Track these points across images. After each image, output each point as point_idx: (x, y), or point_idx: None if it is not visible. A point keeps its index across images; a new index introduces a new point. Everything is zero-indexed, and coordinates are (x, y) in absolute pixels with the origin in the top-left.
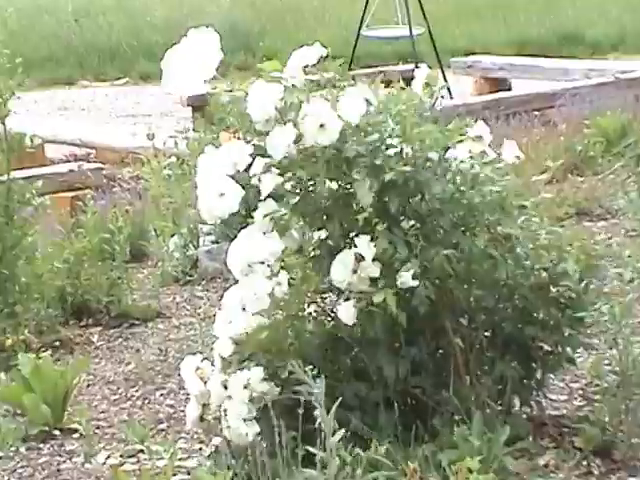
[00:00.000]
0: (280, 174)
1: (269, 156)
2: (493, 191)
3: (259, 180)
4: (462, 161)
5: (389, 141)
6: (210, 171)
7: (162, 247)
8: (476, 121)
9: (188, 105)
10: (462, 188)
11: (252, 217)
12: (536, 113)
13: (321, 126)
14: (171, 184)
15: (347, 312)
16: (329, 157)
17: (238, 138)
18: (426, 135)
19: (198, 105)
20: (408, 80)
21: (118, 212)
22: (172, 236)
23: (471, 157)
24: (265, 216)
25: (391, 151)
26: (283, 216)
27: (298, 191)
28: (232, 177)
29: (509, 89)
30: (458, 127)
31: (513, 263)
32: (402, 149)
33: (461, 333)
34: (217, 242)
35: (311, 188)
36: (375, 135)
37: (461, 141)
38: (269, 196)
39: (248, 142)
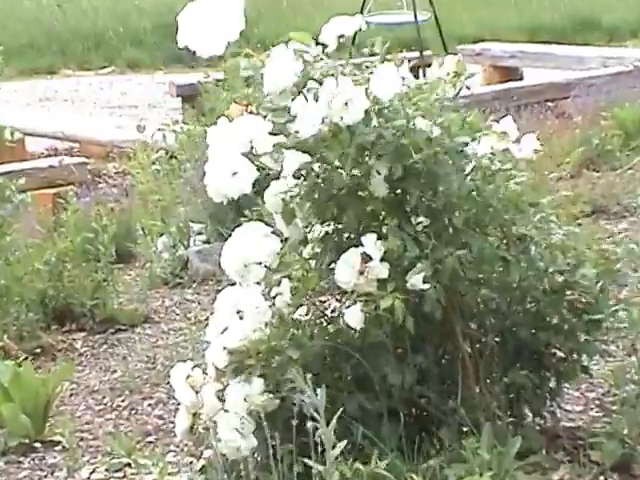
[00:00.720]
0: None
1: (286, 134)
2: (509, 188)
3: (273, 159)
4: (482, 156)
5: (416, 123)
6: (223, 146)
7: (150, 247)
8: (484, 112)
9: (177, 95)
10: (478, 184)
11: (245, 216)
12: (549, 104)
13: (345, 104)
14: (160, 180)
15: (355, 317)
16: (359, 140)
17: (251, 112)
18: (452, 123)
19: (188, 95)
20: (413, 69)
21: (103, 210)
22: (161, 235)
23: (492, 153)
24: (276, 195)
25: (419, 136)
26: (295, 198)
27: (322, 173)
28: (245, 155)
29: (520, 78)
30: (478, 119)
31: (526, 265)
32: (432, 132)
33: (470, 338)
34: (209, 242)
35: (325, 174)
36: (402, 120)
37: (485, 134)
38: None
39: (264, 117)
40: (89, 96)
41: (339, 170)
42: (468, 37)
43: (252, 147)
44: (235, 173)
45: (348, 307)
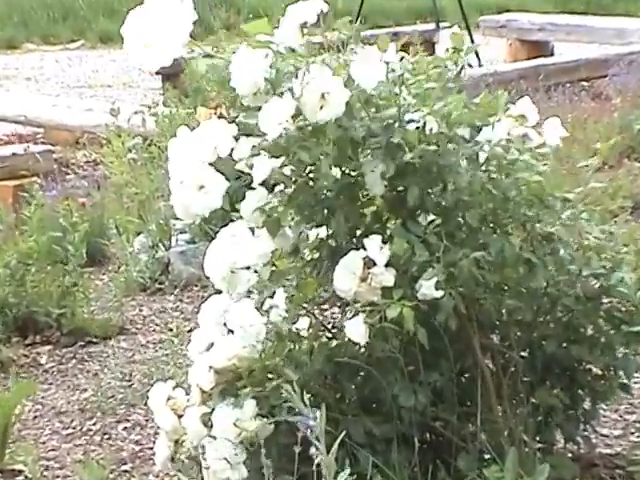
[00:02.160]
0: (275, 157)
1: (259, 135)
2: (531, 180)
3: (248, 165)
4: (496, 143)
5: (409, 116)
6: (185, 158)
7: (126, 248)
8: (509, 93)
9: (157, 74)
10: (494, 176)
11: (236, 211)
12: (584, 84)
13: (323, 97)
14: (137, 170)
15: (357, 330)
16: (336, 136)
17: (220, 115)
18: (453, 109)
19: (169, 74)
20: (429, 43)
21: (72, 205)
22: (138, 234)
23: (508, 140)
24: (255, 209)
25: (412, 126)
26: (276, 208)
27: (298, 177)
28: (213, 165)
29: (551, 54)
30: (488, 101)
31: (555, 268)
32: (425, 124)
33: (491, 353)
34: (193, 242)
35: (311, 175)
36: (392, 110)
37: (499, 120)
38: (261, 184)
39: (233, 120)
40: (55, 74)
41: (324, 171)
42: (491, 7)
43: (219, 156)
44: (202, 187)
45: (350, 319)
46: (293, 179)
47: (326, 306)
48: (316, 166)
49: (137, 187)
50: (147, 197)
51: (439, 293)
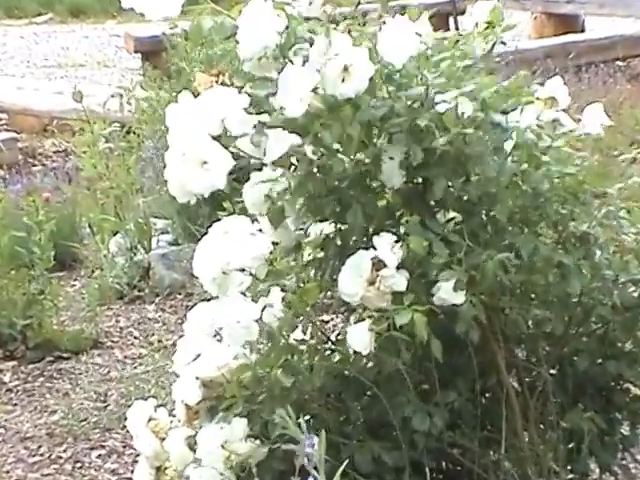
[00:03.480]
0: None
1: (266, 111)
2: (564, 172)
3: (254, 142)
4: (526, 130)
5: (439, 97)
6: (187, 128)
7: (100, 250)
8: (534, 73)
9: (136, 52)
10: (524, 167)
11: (223, 210)
12: (619, 64)
13: (345, 69)
14: (113, 162)
15: (361, 338)
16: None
17: (222, 83)
18: (486, 92)
19: (150, 51)
20: (442, 16)
21: (38, 201)
22: (114, 235)
23: (539, 126)
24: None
25: (442, 107)
26: (283, 195)
27: (318, 159)
28: (217, 139)
29: (582, 30)
30: (517, 83)
31: (590, 274)
32: (457, 106)
33: (517, 370)
34: (176, 243)
35: (322, 161)
36: (418, 88)
37: (526, 103)
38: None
39: (239, 90)
40: (20, 52)
41: (340, 155)
42: None
43: (225, 128)
44: (204, 163)
45: (354, 325)
46: (313, 161)
47: (329, 315)
48: (330, 150)
49: (113, 181)
50: (124, 192)
51: (459, 298)
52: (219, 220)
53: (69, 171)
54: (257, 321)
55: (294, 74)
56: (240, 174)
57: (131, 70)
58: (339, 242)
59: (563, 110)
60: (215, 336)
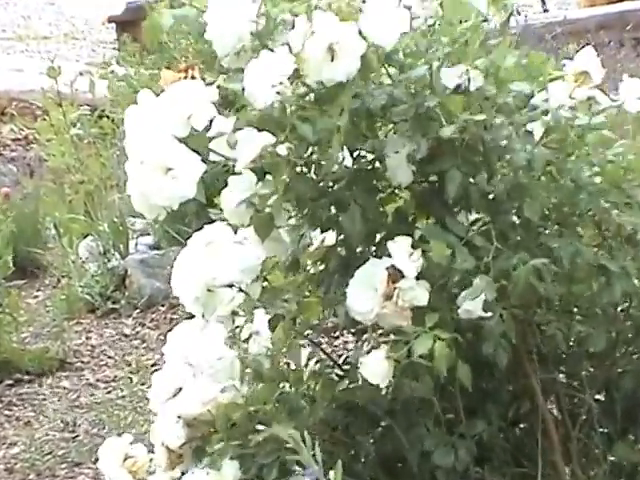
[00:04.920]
0: (267, 131)
1: (244, 106)
2: (605, 160)
3: (230, 143)
4: (558, 110)
5: (445, 73)
6: (148, 131)
7: (68, 255)
8: (582, 48)
9: (110, 22)
10: (557, 156)
11: (215, 206)
12: None
13: (330, 49)
14: (83, 151)
15: (377, 369)
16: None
17: (192, 77)
18: (501, 66)
19: (126, 21)
20: None
21: None
22: (84, 237)
23: (572, 107)
24: (239, 202)
25: (451, 83)
26: (267, 201)
27: (298, 160)
28: (185, 142)
29: None
30: (541, 61)
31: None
32: (469, 81)
33: (556, 395)
34: (158, 247)
35: (314, 157)
36: (421, 69)
37: (554, 79)
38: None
39: (210, 84)
40: None
41: (334, 151)
42: None
43: (195, 129)
44: (169, 170)
45: (368, 352)
46: (291, 161)
47: (334, 335)
48: (321, 146)
49: (83, 174)
50: (96, 187)
51: (487, 312)
52: (209, 220)
53: (31, 162)
54: (240, 356)
55: (265, 58)
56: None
57: (104, 43)
58: (344, 252)
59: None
60: (195, 366)
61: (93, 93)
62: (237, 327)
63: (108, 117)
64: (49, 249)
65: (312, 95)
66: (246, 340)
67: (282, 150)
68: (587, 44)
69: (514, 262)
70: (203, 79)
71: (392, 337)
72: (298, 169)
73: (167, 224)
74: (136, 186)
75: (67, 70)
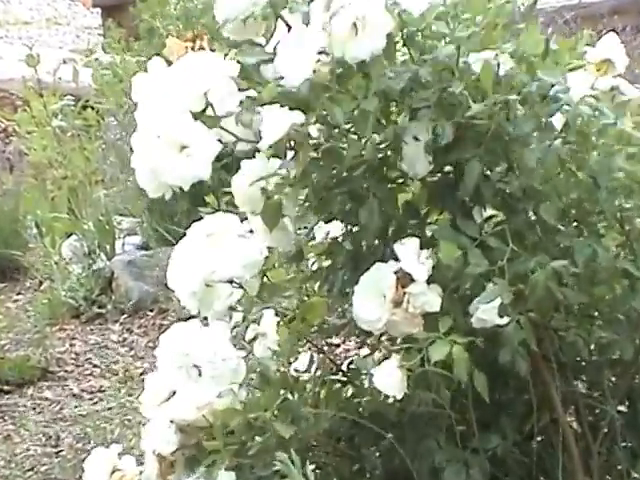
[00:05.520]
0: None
1: (259, 83)
2: (628, 153)
3: (243, 122)
4: (579, 103)
5: (474, 57)
6: (160, 103)
7: (50, 256)
8: (599, 33)
9: (95, 6)
10: (577, 150)
11: (205, 205)
12: None
13: (354, 26)
14: (66, 145)
15: (390, 379)
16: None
17: (201, 48)
18: (531, 51)
19: (112, 6)
20: None
21: None
22: (68, 236)
23: (593, 97)
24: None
25: (477, 65)
26: (282, 188)
27: (325, 141)
28: (199, 118)
29: None
30: (571, 46)
31: None
32: (498, 66)
33: (576, 407)
34: (146, 247)
35: (330, 144)
36: (448, 48)
37: (574, 68)
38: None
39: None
40: None
41: (352, 136)
42: None
43: (208, 104)
44: (184, 148)
45: (379, 363)
46: (317, 144)
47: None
48: (340, 129)
49: (67, 169)
50: (81, 183)
51: (503, 319)
52: (200, 218)
53: (11, 156)
54: (245, 358)
55: (294, 35)
56: (229, 161)
57: (89, 29)
58: (350, 247)
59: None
60: (194, 368)
61: (77, 82)
62: (236, 327)
63: (93, 108)
64: (30, 250)
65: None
66: (251, 341)
67: (313, 131)
68: (602, 30)
69: (531, 265)
70: (212, 50)
71: (403, 345)
72: (314, 154)
73: (156, 222)
74: (144, 161)
75: (49, 58)
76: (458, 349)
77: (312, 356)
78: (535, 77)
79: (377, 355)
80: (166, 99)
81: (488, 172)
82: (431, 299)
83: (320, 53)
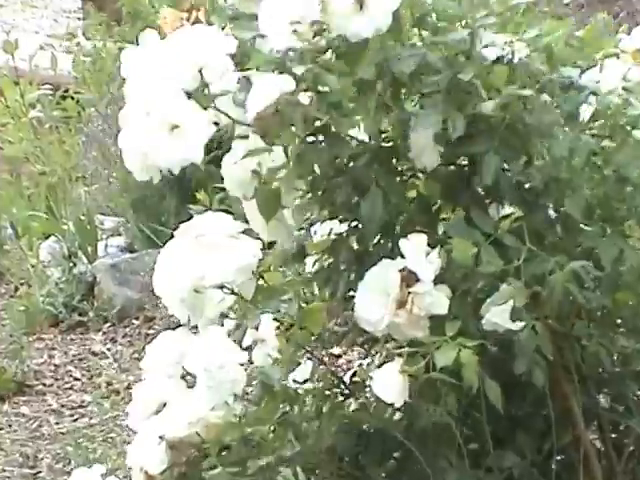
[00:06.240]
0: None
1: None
2: None
3: (237, 101)
4: (609, 94)
5: (488, 40)
6: (151, 79)
7: (27, 258)
8: (615, 17)
9: None
10: (604, 145)
11: (196, 202)
12: None
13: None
14: (44, 138)
15: (391, 385)
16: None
17: (196, 22)
18: (553, 41)
19: None
20: None
21: None
22: (46, 238)
23: (625, 88)
24: (240, 158)
25: (491, 54)
26: (276, 173)
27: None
28: (192, 96)
29: None
30: (598, 34)
31: None
32: (512, 54)
33: (599, 422)
34: (131, 249)
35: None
36: (461, 32)
37: (607, 57)
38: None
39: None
40: None
41: (370, 122)
42: None
43: (204, 82)
44: (175, 127)
45: (379, 366)
46: (310, 119)
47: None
48: (342, 109)
49: (44, 164)
50: (60, 179)
51: (517, 324)
52: (190, 217)
53: None
54: (244, 365)
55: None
56: (220, 152)
57: (67, 13)
58: (355, 245)
59: None
60: (185, 378)
61: (55, 70)
62: (229, 335)
63: (73, 98)
64: (5, 252)
65: (334, 54)
66: (247, 349)
67: (304, 99)
68: (617, 14)
69: (550, 265)
70: (209, 22)
71: (406, 348)
72: (311, 138)
73: (141, 222)
74: (133, 140)
75: (25, 43)
76: (466, 353)
77: (314, 366)
78: (555, 66)
79: (378, 359)
80: (158, 75)
81: (505, 165)
82: (438, 300)
83: (296, 23)
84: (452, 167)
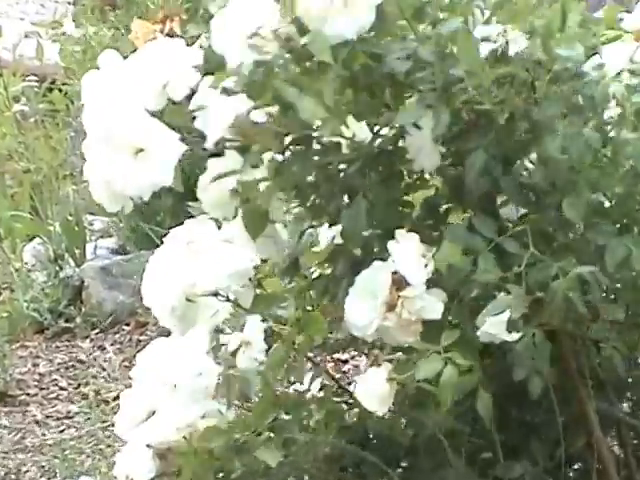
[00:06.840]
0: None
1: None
2: None
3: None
4: (615, 80)
5: (480, 31)
6: (113, 103)
7: (10, 262)
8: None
9: None
10: (612, 137)
11: (196, 200)
12: None
13: None
14: (29, 133)
15: (375, 392)
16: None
17: (170, 34)
18: (554, 26)
19: None
20: None
21: None
22: (31, 239)
23: (632, 72)
24: (212, 180)
25: (484, 48)
26: (257, 186)
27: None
28: (158, 116)
29: None
30: (612, 15)
31: None
32: (507, 45)
33: (617, 429)
34: (122, 251)
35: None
36: (454, 22)
37: (612, 39)
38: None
39: (193, 41)
40: None
41: (330, 130)
42: None
43: (171, 101)
44: (140, 151)
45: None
46: (280, 135)
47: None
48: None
49: (29, 160)
50: (46, 177)
51: (514, 335)
52: (190, 216)
53: None
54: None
55: (238, 6)
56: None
57: None
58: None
59: None
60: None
61: (41, 60)
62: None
63: (60, 90)
64: None
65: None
66: (234, 352)
67: (260, 117)
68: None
69: (553, 272)
70: (184, 32)
71: (395, 354)
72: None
73: (134, 222)
74: (96, 170)
75: (9, 31)
76: (450, 371)
77: (314, 373)
78: (551, 53)
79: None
80: (118, 96)
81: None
82: (430, 305)
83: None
84: (459, 167)
